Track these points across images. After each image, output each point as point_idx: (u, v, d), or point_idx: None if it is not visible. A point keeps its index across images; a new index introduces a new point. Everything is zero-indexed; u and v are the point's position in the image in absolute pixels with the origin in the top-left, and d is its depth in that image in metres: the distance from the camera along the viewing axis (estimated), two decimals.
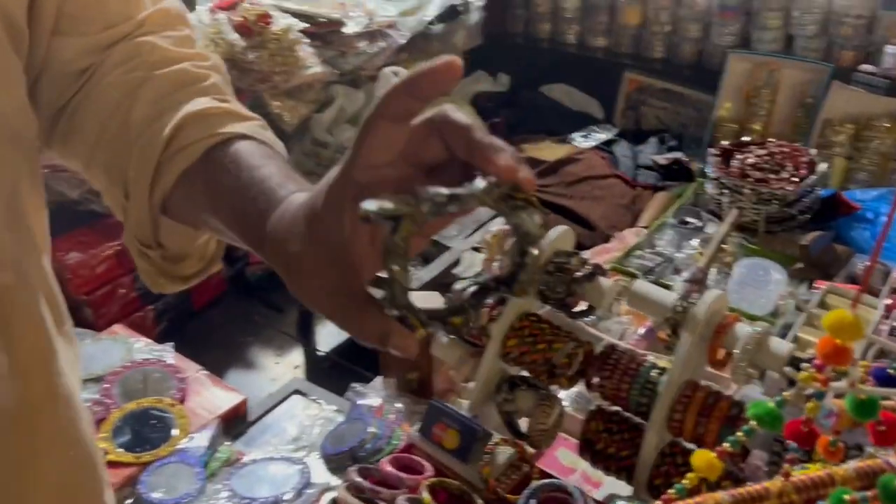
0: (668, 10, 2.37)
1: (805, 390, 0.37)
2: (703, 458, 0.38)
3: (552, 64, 2.74)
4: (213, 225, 0.55)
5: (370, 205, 0.41)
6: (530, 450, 0.95)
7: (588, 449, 0.92)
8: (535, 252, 0.46)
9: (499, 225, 1.04)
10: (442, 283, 1.15)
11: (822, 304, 1.25)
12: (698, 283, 1.34)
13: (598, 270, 0.94)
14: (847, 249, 1.45)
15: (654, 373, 0.88)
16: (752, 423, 0.38)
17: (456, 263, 1.68)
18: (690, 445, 0.88)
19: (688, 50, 2.39)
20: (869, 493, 0.35)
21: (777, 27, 2.19)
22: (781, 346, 0.82)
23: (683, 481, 0.38)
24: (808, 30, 2.15)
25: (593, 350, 0.94)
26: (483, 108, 2.73)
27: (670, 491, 0.38)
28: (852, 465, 0.40)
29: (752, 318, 1.12)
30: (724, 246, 1.54)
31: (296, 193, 0.49)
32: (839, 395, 0.39)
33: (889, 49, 1.95)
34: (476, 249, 1.67)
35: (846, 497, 0.35)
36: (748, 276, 1.38)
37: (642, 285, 0.95)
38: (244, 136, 0.55)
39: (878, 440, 0.38)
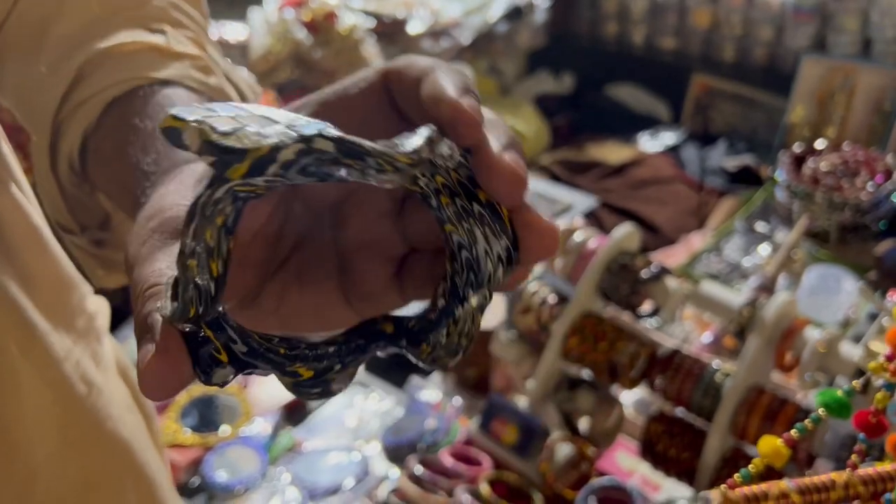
0: (740, 12, 2.32)
1: (875, 381, 0.37)
2: (770, 444, 0.38)
3: (618, 65, 2.71)
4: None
5: (183, 112, 0.23)
6: (591, 448, 0.94)
7: (649, 450, 0.91)
8: (474, 303, 0.26)
9: (567, 222, 1.04)
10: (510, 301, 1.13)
11: None
12: (766, 290, 1.31)
13: (664, 271, 0.93)
14: None
15: (718, 376, 0.87)
16: (820, 411, 0.37)
17: None
18: (754, 450, 0.86)
19: (759, 53, 2.34)
20: None
21: (854, 30, 2.12)
22: (852, 351, 0.80)
23: (749, 467, 0.38)
24: (888, 33, 2.08)
25: (656, 352, 0.93)
26: (546, 108, 2.72)
27: (735, 476, 0.38)
28: None
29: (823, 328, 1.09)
30: (793, 254, 1.51)
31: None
32: None
33: None
34: None
35: None
36: (819, 284, 1.35)
37: (709, 287, 0.94)
38: (169, 82, 0.40)
39: None
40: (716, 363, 0.90)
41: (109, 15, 0.43)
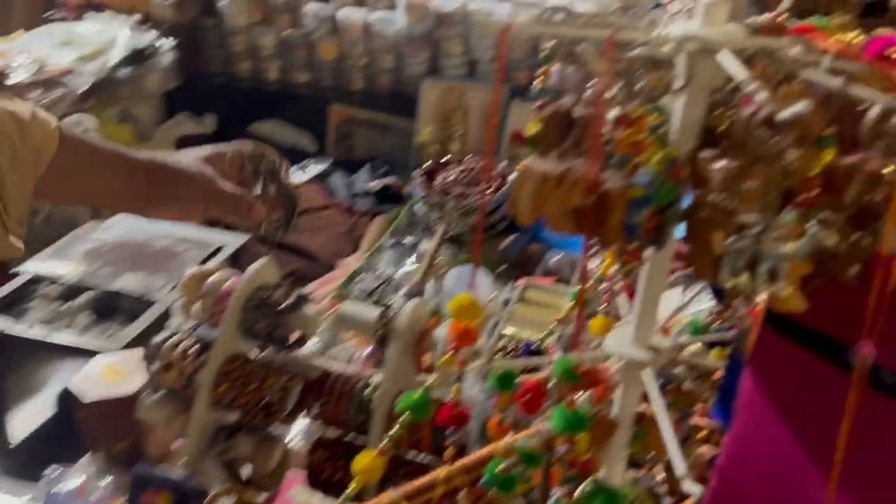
0: (361, 43, 2.46)
1: (449, 375, 0.38)
2: (363, 461, 0.37)
3: (257, 101, 2.70)
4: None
5: None
6: (256, 497, 0.90)
7: (315, 480, 0.90)
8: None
9: (192, 268, 0.99)
10: (147, 343, 1.03)
11: (523, 299, 1.35)
12: (414, 296, 1.38)
13: (301, 300, 0.92)
14: (541, 247, 1.60)
15: (368, 391, 0.88)
16: (405, 415, 0.38)
17: (166, 316, 1.57)
18: (414, 455, 0.89)
19: (385, 80, 2.49)
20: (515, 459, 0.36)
21: (460, 53, 2.36)
22: (484, 344, 0.86)
23: (348, 489, 0.37)
24: (487, 54, 2.34)
25: (308, 380, 0.92)
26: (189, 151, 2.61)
27: (342, 497, 0.37)
28: (509, 438, 0.41)
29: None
30: (437, 260, 1.61)
31: None
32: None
33: (554, 69, 2.18)
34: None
35: (499, 468, 0.36)
36: (458, 282, 1.46)
37: (348, 307, 0.95)
38: None
39: (527, 409, 0.40)
40: (367, 377, 0.91)
41: None
